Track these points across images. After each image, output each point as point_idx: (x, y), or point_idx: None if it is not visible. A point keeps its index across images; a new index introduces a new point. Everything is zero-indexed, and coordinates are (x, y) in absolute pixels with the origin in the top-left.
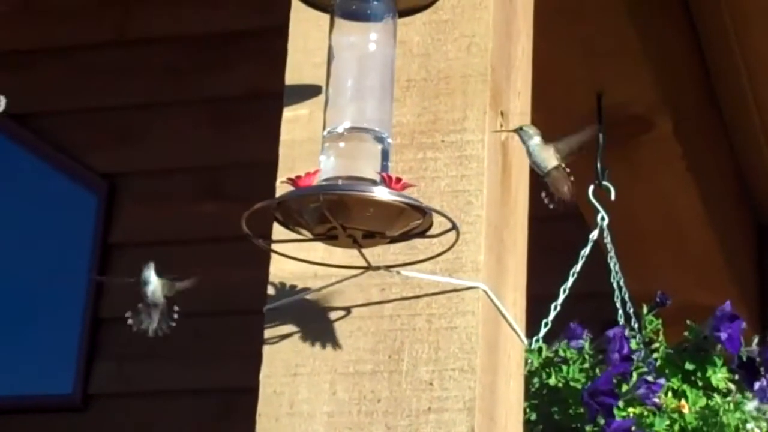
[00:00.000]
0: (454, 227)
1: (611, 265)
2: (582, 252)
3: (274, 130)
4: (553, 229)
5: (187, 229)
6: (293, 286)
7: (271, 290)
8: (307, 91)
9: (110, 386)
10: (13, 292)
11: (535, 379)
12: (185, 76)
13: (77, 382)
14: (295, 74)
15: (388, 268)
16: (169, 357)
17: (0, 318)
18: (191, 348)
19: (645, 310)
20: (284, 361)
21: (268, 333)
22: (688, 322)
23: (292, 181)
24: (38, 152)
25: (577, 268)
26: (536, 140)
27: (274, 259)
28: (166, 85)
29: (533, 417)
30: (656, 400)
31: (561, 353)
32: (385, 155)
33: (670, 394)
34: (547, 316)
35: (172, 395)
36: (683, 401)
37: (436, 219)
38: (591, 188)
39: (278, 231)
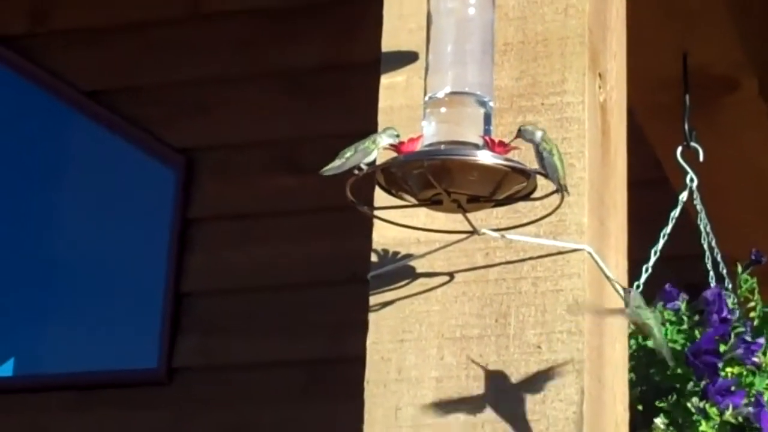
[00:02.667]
0: (559, 189)
1: (701, 226)
2: (672, 213)
3: (350, 101)
4: (637, 195)
5: (265, 202)
6: (396, 253)
7: (374, 257)
8: (404, 58)
9: (194, 360)
10: (96, 270)
11: (632, 341)
12: (260, 48)
13: (162, 356)
14: (390, 41)
15: (493, 232)
16: (251, 330)
17: (84, 294)
18: (273, 320)
19: (740, 269)
20: (390, 327)
21: (373, 300)
22: None
23: (396, 148)
24: (115, 129)
25: (668, 229)
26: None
27: (377, 225)
28: (241, 58)
29: (632, 378)
30: (755, 359)
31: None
32: (487, 119)
33: None
34: (638, 278)
35: (255, 368)
36: None
37: (539, 181)
38: (679, 150)
39: (380, 197)
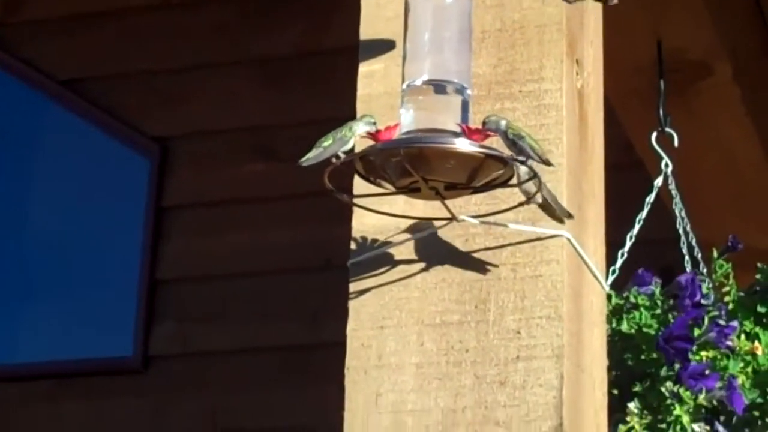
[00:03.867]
0: (536, 176)
1: (677, 211)
2: (647, 199)
3: (325, 88)
4: (612, 178)
5: (240, 189)
6: (375, 240)
7: (353, 245)
8: (381, 46)
9: (170, 347)
10: (70, 257)
11: (606, 326)
12: (234, 35)
13: (137, 344)
14: (368, 29)
15: (472, 218)
16: (227, 317)
17: (58, 283)
18: (249, 307)
19: (715, 254)
20: (370, 314)
21: (353, 287)
22: (759, 264)
23: (373, 136)
24: (89, 117)
25: (643, 215)
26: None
27: (356, 213)
28: (215, 46)
29: (607, 363)
30: (729, 343)
31: (632, 299)
32: (464, 107)
33: (743, 336)
34: (612, 262)
35: (232, 355)
36: (756, 343)
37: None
38: (654, 135)
39: (359, 185)
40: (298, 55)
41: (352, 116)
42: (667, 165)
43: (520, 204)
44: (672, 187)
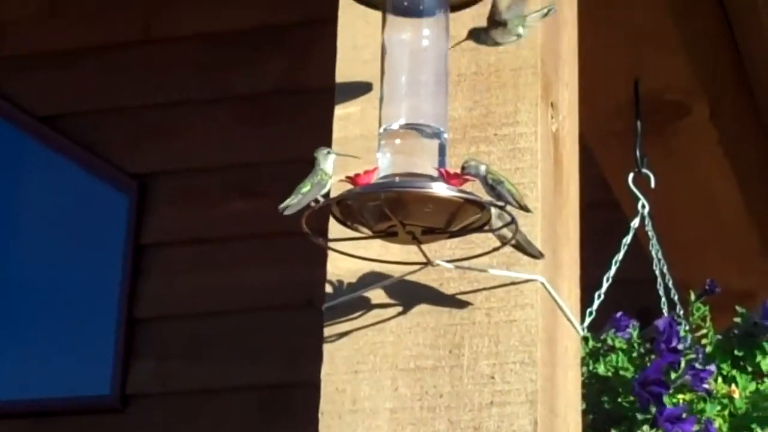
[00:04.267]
0: (513, 221)
1: (653, 252)
2: (624, 240)
3: (306, 126)
4: (587, 216)
5: (219, 227)
6: (351, 284)
7: (328, 288)
8: (358, 88)
9: (148, 386)
10: (48, 294)
11: (583, 369)
12: (213, 73)
13: (115, 382)
14: (344, 71)
15: (447, 263)
16: (206, 355)
17: (36, 320)
18: (228, 346)
19: (693, 297)
20: (345, 358)
21: (327, 331)
22: (737, 308)
23: (351, 179)
24: (68, 153)
25: (620, 256)
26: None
27: (331, 256)
28: (195, 83)
29: (582, 406)
30: (706, 386)
31: (609, 342)
32: (441, 150)
33: (720, 379)
34: (589, 304)
35: (211, 394)
36: (733, 386)
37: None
38: (631, 176)
39: (335, 228)
40: (278, 93)
41: None
42: (643, 206)
43: (495, 249)
44: (649, 228)
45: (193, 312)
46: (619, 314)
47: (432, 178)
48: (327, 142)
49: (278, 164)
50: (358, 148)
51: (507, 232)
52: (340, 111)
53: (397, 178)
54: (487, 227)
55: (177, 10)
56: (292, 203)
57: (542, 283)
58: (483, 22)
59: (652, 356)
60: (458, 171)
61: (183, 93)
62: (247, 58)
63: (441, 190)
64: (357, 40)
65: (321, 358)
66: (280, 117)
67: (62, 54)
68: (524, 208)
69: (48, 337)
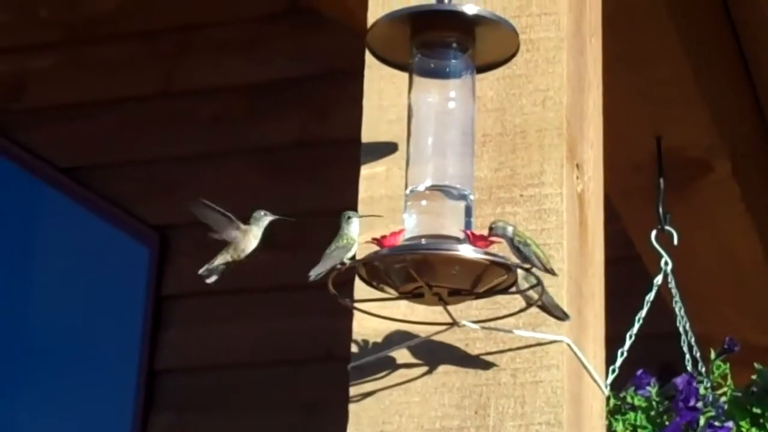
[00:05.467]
0: (539, 283)
1: (676, 309)
2: (647, 297)
3: (325, 178)
4: (609, 272)
5: (240, 279)
6: (376, 343)
7: (354, 348)
8: (383, 149)
9: None
10: (69, 346)
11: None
12: (233, 125)
13: None
14: (370, 131)
15: (473, 324)
16: (226, 407)
17: (56, 371)
18: (248, 398)
19: (713, 355)
20: (371, 418)
21: (353, 390)
22: (756, 365)
23: (377, 241)
24: (89, 205)
25: (643, 313)
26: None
27: (357, 316)
28: (215, 136)
29: None
30: None
31: (629, 400)
32: (468, 212)
33: None
34: (612, 361)
35: None
36: None
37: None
38: (653, 233)
39: (360, 288)
40: (298, 145)
41: (352, 208)
42: (666, 263)
43: (521, 310)
44: (672, 285)
45: (212, 364)
46: (639, 372)
47: (458, 240)
48: (346, 195)
49: (298, 216)
50: (383, 208)
51: (533, 294)
52: (365, 171)
53: (423, 240)
54: (513, 289)
55: (197, 63)
56: (321, 269)
57: (568, 344)
58: (506, 83)
59: (671, 414)
60: (484, 232)
61: (204, 145)
62: (268, 111)
63: (467, 252)
64: (382, 100)
65: (342, 410)
66: (300, 170)
67: (83, 106)
68: (550, 271)
69: (68, 387)
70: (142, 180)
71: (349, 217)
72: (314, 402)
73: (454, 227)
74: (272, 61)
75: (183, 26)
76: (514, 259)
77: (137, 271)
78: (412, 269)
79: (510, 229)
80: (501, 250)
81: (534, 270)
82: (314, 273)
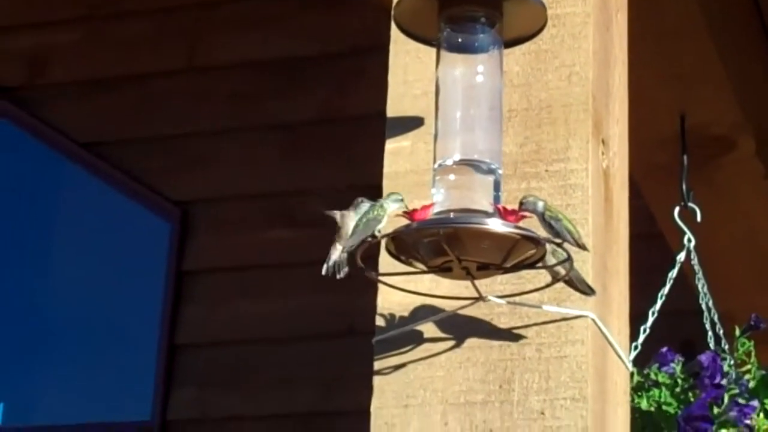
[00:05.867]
0: (569, 258)
1: (699, 286)
2: (669, 275)
3: (346, 154)
4: (633, 248)
5: (260, 255)
6: (402, 317)
7: (379, 321)
8: (409, 123)
9: (189, 412)
10: (90, 320)
11: None
12: (255, 102)
13: (156, 408)
14: (395, 106)
15: (499, 298)
16: (247, 382)
17: (78, 346)
18: (269, 373)
19: (737, 332)
20: (395, 392)
21: (377, 364)
22: None
23: (407, 215)
24: (111, 180)
25: (665, 290)
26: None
27: (382, 290)
28: (236, 111)
29: None
30: (748, 421)
31: (653, 377)
32: (496, 186)
33: (761, 415)
34: (634, 338)
35: (251, 420)
36: None
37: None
38: (676, 210)
39: (385, 262)
40: (319, 122)
41: (372, 185)
42: (689, 240)
43: (547, 285)
44: (694, 262)
45: (233, 339)
46: (664, 349)
47: (488, 214)
48: (366, 170)
49: (318, 192)
50: (408, 183)
51: (560, 269)
52: (390, 146)
53: (452, 214)
54: (541, 263)
55: (220, 39)
56: (351, 241)
57: (593, 320)
58: (531, 58)
59: (696, 391)
60: (514, 207)
61: (226, 121)
62: (289, 87)
63: (498, 226)
64: (408, 75)
65: (363, 385)
66: (322, 146)
67: (105, 81)
68: (582, 246)
69: (89, 362)
70: (164, 155)
71: (391, 194)
72: (335, 377)
73: (483, 201)
74: (294, 38)
75: (205, 2)
76: (543, 234)
77: (159, 247)
78: (444, 243)
79: (541, 204)
80: (529, 224)
81: (564, 245)
82: (350, 245)
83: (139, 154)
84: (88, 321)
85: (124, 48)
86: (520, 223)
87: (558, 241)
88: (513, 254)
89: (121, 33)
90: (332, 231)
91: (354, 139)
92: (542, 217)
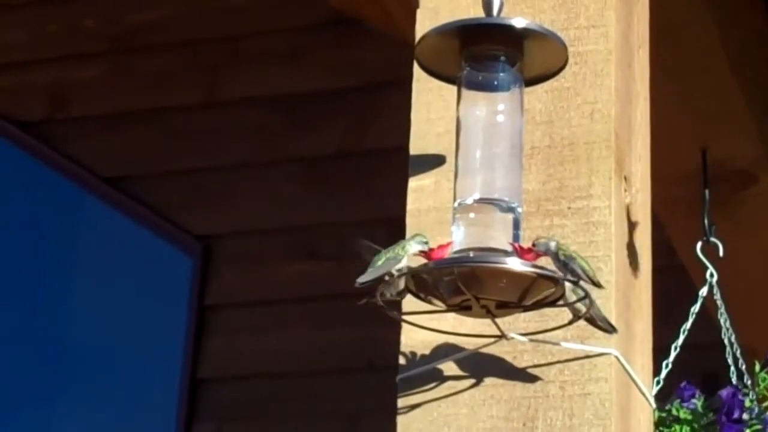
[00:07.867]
0: (587, 296)
1: (722, 321)
2: (692, 309)
3: (367, 188)
4: (655, 281)
5: (282, 289)
6: (424, 355)
7: (402, 360)
8: (432, 161)
9: None
10: (112, 354)
11: None
12: (276, 136)
13: None
14: (418, 144)
15: (521, 336)
16: (268, 417)
17: (100, 380)
18: (290, 408)
19: (757, 367)
20: (419, 430)
21: (401, 402)
22: None
23: (426, 254)
24: (133, 214)
25: (688, 325)
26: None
27: (405, 328)
28: (258, 145)
29: None
30: None
31: (674, 413)
32: (516, 224)
33: None
34: (656, 372)
35: None
36: None
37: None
38: (699, 245)
39: (408, 300)
40: (339, 156)
41: (392, 218)
42: (712, 275)
43: (569, 322)
44: (717, 297)
45: (255, 373)
46: (683, 384)
47: (506, 253)
48: (386, 205)
49: (339, 226)
50: (431, 221)
51: (581, 306)
52: (414, 183)
53: (471, 253)
54: (561, 301)
55: (240, 73)
56: (368, 276)
57: (616, 357)
58: (554, 95)
59: (716, 427)
60: (531, 246)
61: (246, 155)
62: (309, 122)
63: (515, 265)
64: (430, 113)
65: (383, 420)
66: (342, 180)
67: (127, 116)
68: (597, 284)
69: (112, 396)
70: (186, 190)
71: (416, 235)
72: (356, 413)
73: (502, 240)
74: (314, 72)
75: (226, 37)
76: (561, 273)
77: (180, 281)
78: (459, 282)
79: (553, 244)
80: (549, 263)
81: (581, 283)
82: (362, 280)
83: (160, 189)
84: (110, 355)
85: (145, 82)
86: (538, 262)
87: (573, 279)
88: (532, 292)
89: (143, 68)
90: (353, 263)
91: (374, 173)
92: (556, 257)
